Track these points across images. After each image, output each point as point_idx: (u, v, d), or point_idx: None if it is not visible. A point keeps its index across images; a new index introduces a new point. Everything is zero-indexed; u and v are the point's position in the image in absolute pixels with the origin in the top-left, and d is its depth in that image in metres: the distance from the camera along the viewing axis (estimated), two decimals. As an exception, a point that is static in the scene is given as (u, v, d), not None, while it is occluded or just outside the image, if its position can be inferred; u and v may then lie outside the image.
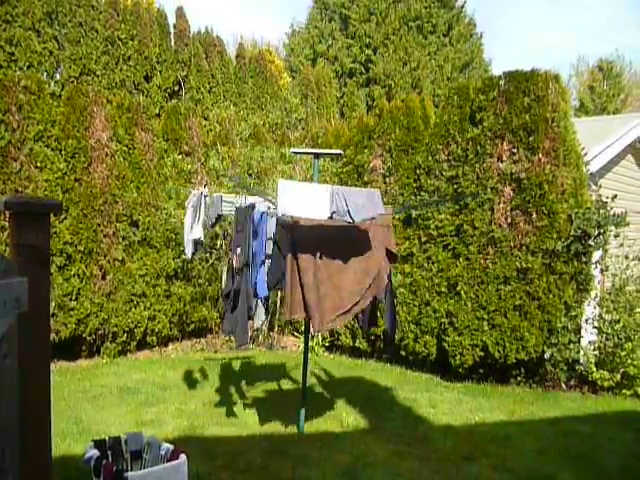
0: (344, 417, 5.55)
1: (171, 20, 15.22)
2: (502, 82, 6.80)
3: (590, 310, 6.82)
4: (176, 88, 14.91)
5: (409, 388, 6.64)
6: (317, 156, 5.25)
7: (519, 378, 6.67)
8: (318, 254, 4.40)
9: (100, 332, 7.67)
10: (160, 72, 14.54)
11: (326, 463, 4.48)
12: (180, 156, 8.64)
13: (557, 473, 4.31)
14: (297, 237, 4.40)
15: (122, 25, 13.75)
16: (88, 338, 7.59)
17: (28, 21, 12.01)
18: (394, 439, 5.00)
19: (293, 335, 9.41)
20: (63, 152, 7.42)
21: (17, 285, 1.77)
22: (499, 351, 6.47)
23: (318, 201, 3.98)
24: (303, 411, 5.16)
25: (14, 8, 11.88)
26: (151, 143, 8.44)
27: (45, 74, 12.37)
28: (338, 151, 5.29)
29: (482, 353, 6.60)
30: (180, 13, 15.36)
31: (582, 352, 6.63)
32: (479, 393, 6.45)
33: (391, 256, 4.78)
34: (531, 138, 6.48)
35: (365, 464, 4.47)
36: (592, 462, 4.53)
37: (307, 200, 4.01)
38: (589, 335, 6.86)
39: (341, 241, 4.51)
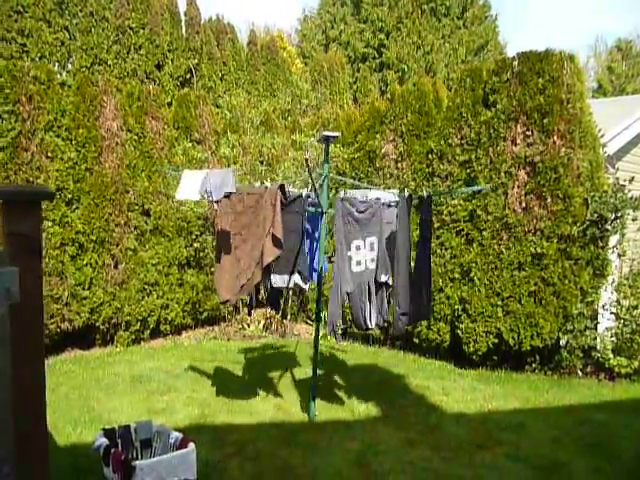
0: (356, 405, 5.52)
1: (182, 8, 15.16)
2: (515, 63, 6.64)
3: (607, 296, 6.68)
4: (188, 76, 14.87)
5: (422, 375, 6.58)
6: (327, 140, 5.15)
7: (534, 365, 6.58)
8: (232, 236, 4.66)
9: (113, 321, 7.71)
10: (172, 60, 14.51)
11: (336, 451, 4.45)
12: (191, 144, 8.60)
13: (571, 461, 4.23)
14: (224, 222, 4.70)
15: (133, 14, 13.71)
16: (102, 327, 7.63)
17: (39, 11, 12.02)
18: (406, 427, 4.95)
19: (306, 322, 9.40)
20: (74, 142, 7.42)
21: (8, 275, 1.74)
22: (513, 338, 6.37)
23: (195, 184, 4.52)
24: (314, 399, 5.14)
25: (25, -1, 11.88)
26: (162, 131, 8.41)
27: (57, 64, 12.41)
28: (335, 133, 5.18)
29: (496, 340, 6.51)
30: (191, 1, 15.26)
31: (599, 338, 6.51)
32: (493, 380, 6.37)
33: (275, 240, 4.45)
34: (546, 120, 6.33)
35: (376, 452, 4.44)
36: (607, 450, 4.44)
37: (190, 184, 4.56)
38: (606, 321, 6.73)
39: (246, 225, 4.66)
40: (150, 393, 5.89)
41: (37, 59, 12.04)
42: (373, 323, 4.77)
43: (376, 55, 19.63)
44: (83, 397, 5.70)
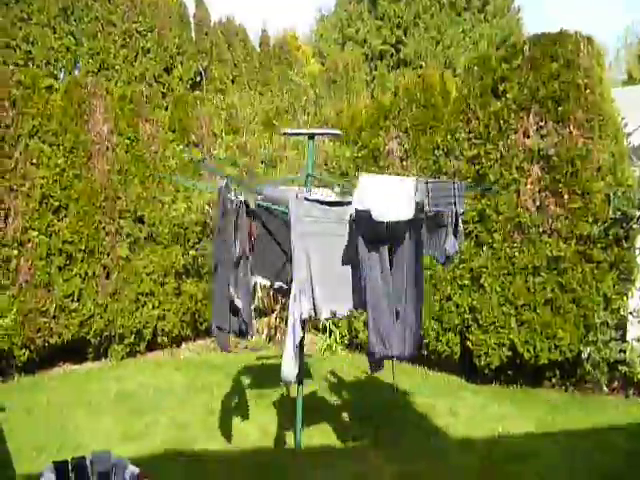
0: (350, 428, 5.00)
1: (191, 10, 14.86)
2: (527, 48, 6.04)
3: (636, 302, 6.00)
4: (198, 79, 14.57)
5: (429, 392, 6.01)
6: (311, 137, 4.66)
7: (554, 380, 5.95)
8: None
9: (106, 334, 7.33)
10: (181, 63, 14.21)
11: (317, 486, 3.95)
12: (186, 147, 8.22)
13: (586, 501, 3.64)
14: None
15: (140, 17, 13.46)
16: (93, 340, 7.27)
17: (44, 18, 11.86)
18: (401, 456, 4.41)
19: (315, 334, 8.89)
20: (61, 147, 7.07)
21: None
22: (529, 350, 5.76)
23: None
24: (299, 424, 4.62)
25: (29, 6, 11.75)
26: (156, 134, 8.05)
27: (63, 70, 12.24)
28: (336, 131, 4.66)
29: (510, 353, 5.90)
30: (199, 2, 14.97)
31: (627, 350, 5.83)
32: (507, 398, 5.76)
33: None
34: (560, 109, 5.71)
35: (361, 487, 3.92)
36: (631, 486, 3.83)
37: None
38: (635, 331, 6.04)
39: None
40: (132, 413, 5.48)
41: (43, 66, 11.89)
42: None
43: (394, 52, 19.07)
44: (59, 418, 5.31)
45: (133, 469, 3.60)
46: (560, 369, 5.89)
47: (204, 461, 4.42)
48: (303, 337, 3.93)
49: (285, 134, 4.77)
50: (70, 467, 3.71)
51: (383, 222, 3.53)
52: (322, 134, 4.64)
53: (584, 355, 5.71)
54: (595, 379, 5.80)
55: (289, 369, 3.71)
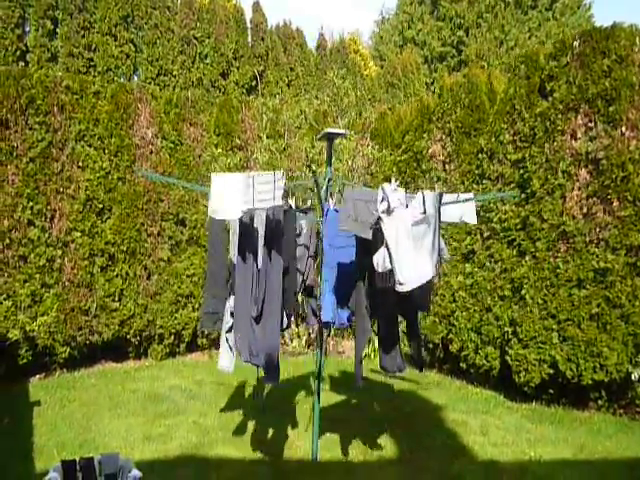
0: (372, 443, 4.79)
1: (248, 16, 15.04)
2: (576, 44, 5.63)
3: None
4: (253, 83, 14.71)
5: (463, 408, 5.71)
6: (330, 138, 4.53)
7: (600, 402, 5.49)
8: None
9: (145, 334, 7.47)
10: (237, 68, 14.42)
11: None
12: (229, 150, 8.24)
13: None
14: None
15: (198, 24, 13.77)
16: (133, 340, 7.42)
17: (105, 26, 12.31)
18: (420, 476, 4.17)
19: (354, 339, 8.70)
20: (106, 151, 7.27)
21: None
22: (571, 369, 5.34)
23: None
24: (316, 434, 4.47)
25: (92, 15, 12.23)
26: (200, 138, 8.15)
27: (123, 77, 12.66)
28: (341, 131, 4.50)
29: (551, 370, 5.50)
30: (256, 8, 15.12)
31: (685, 373, 5.30)
32: (546, 418, 5.37)
33: None
34: (611, 108, 5.28)
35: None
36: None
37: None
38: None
39: None
40: (157, 415, 5.51)
41: (104, 73, 12.36)
42: None
43: (455, 53, 18.57)
44: (87, 416, 5.42)
45: (136, 473, 3.58)
46: (607, 390, 5.43)
47: (216, 467, 4.35)
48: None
49: (318, 139, 4.73)
50: (78, 467, 3.74)
51: (249, 223, 3.61)
52: (334, 135, 4.48)
53: (634, 377, 5.23)
54: (647, 403, 5.32)
55: (224, 358, 4.07)
